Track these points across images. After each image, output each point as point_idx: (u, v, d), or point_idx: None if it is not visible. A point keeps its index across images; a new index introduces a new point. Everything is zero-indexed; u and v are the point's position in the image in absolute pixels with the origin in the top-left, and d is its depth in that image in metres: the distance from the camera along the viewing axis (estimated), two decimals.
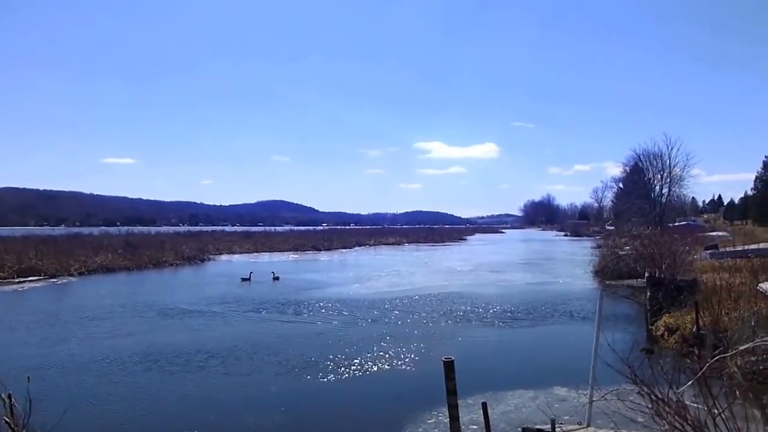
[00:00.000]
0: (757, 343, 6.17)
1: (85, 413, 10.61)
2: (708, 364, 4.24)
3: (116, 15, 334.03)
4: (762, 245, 33.59)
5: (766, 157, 67.97)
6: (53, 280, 35.29)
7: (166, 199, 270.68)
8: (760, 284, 14.75)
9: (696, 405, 4.51)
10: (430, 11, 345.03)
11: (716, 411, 4.15)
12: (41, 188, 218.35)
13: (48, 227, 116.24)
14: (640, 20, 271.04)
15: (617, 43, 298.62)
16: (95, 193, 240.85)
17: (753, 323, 12.08)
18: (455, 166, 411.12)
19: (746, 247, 31.85)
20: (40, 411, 6.56)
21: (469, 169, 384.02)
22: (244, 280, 34.62)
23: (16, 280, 34.28)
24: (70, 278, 36.40)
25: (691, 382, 4.58)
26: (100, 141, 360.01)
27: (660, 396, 4.56)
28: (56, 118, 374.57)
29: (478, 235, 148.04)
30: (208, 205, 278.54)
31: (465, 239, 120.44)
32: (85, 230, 77.16)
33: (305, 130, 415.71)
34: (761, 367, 10.09)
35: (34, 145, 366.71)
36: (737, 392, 4.92)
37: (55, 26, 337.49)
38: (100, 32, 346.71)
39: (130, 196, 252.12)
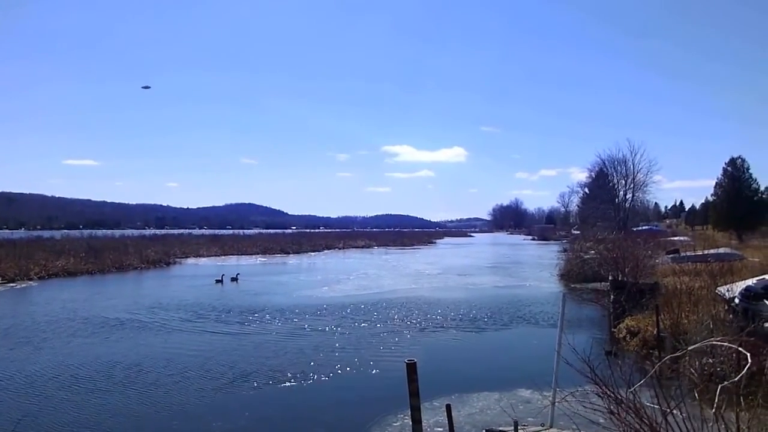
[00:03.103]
0: (706, 343, 6.29)
1: (39, 425, 10.28)
2: (660, 362, 4.32)
3: (77, 12, 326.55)
4: (721, 250, 34.55)
5: (725, 164, 69.62)
6: (12, 284, 34.20)
7: (131, 202, 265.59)
8: (718, 288, 15.12)
9: (653, 405, 4.58)
10: (399, 17, 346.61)
11: (670, 410, 4.23)
12: (0, 190, 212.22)
13: (7, 230, 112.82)
14: (601, 31, 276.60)
15: (579, 52, 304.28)
16: (57, 195, 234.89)
17: (711, 326, 12.40)
18: (424, 170, 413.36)
19: (706, 252, 32.65)
20: None
21: (438, 173, 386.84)
22: (217, 281, 35.62)
23: None
24: (30, 282, 35.34)
25: (643, 381, 4.66)
26: (60, 142, 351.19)
27: (619, 396, 4.62)
28: (14, 118, 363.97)
29: (447, 239, 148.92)
30: (174, 207, 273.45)
31: (434, 242, 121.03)
32: (47, 233, 75.17)
33: (272, 133, 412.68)
34: (718, 369, 10.35)
35: None
36: (695, 393, 5.03)
37: (13, 23, 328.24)
38: (60, 30, 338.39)
39: (93, 199, 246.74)
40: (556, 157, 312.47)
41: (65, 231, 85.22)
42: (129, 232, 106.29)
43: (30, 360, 15.27)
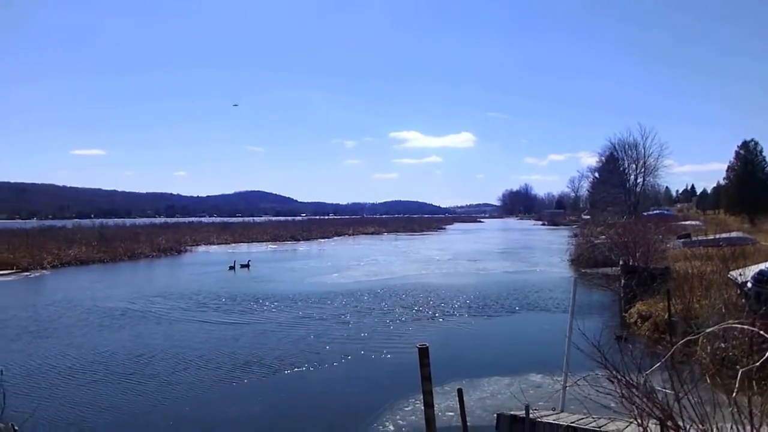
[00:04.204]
0: (721, 327, 6.26)
1: (55, 411, 10.44)
2: (675, 347, 4.31)
3: (88, 5, 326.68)
4: (733, 234, 34.34)
5: (737, 147, 68.80)
6: (26, 273, 34.63)
7: (141, 191, 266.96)
8: (730, 272, 15.04)
9: (665, 390, 4.59)
10: (404, 2, 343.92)
11: (684, 394, 4.23)
12: (12, 181, 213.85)
13: (20, 220, 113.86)
14: (608, 19, 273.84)
15: (586, 40, 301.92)
16: (68, 185, 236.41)
17: (723, 310, 12.34)
18: (432, 156, 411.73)
19: (718, 236, 32.49)
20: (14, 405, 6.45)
21: (446, 159, 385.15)
22: (230, 268, 36.08)
23: None
24: (43, 271, 35.77)
25: (658, 365, 4.65)
26: (69, 133, 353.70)
27: (630, 381, 4.63)
28: (24, 109, 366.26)
29: (456, 225, 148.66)
30: (184, 196, 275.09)
31: (444, 228, 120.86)
32: (58, 223, 75.85)
33: (277, 120, 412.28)
34: (731, 353, 10.33)
35: (3, 138, 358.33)
36: (707, 377, 5.03)
37: (24, 17, 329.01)
38: (70, 23, 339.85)
39: (104, 188, 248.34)
40: (564, 141, 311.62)
41: (77, 220, 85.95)
42: (140, 220, 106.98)
43: (48, 347, 15.50)
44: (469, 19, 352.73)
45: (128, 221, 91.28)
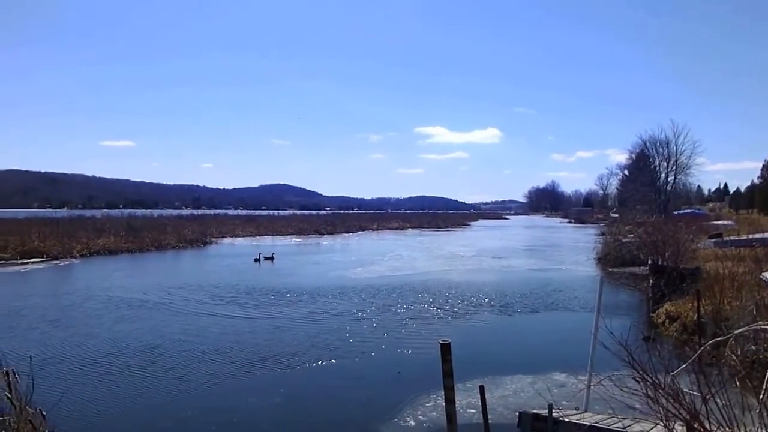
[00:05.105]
0: (751, 328, 6.13)
1: (81, 399, 10.66)
2: (703, 347, 4.24)
3: None
4: (767, 234, 33.51)
5: None
6: (56, 261, 35.44)
7: (168, 183, 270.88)
8: (763, 273, 14.71)
9: (692, 392, 4.52)
10: None
11: (711, 395, 4.16)
12: (43, 171, 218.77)
13: (50, 209, 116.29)
14: (638, 14, 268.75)
15: (615, 35, 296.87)
16: (97, 175, 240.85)
17: (754, 312, 12.09)
18: (457, 151, 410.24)
19: (751, 236, 31.76)
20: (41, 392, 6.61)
21: (472, 155, 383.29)
22: (256, 260, 36.80)
23: (19, 262, 34.48)
24: (73, 260, 36.56)
25: (685, 366, 4.59)
26: (98, 124, 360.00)
27: (657, 381, 4.56)
28: (54, 96, 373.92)
29: (482, 221, 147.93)
30: (210, 188, 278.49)
31: (469, 225, 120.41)
32: (88, 212, 77.33)
33: (303, 114, 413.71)
34: (761, 356, 10.11)
35: (36, 128, 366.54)
36: (736, 380, 4.94)
37: (53, 7, 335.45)
38: (99, 13, 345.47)
39: (132, 179, 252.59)
40: (593, 138, 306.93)
41: (105, 210, 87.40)
42: (167, 211, 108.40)
43: (68, 337, 15.85)
44: (497, 12, 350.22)
45: (155, 212, 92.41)
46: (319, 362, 13.08)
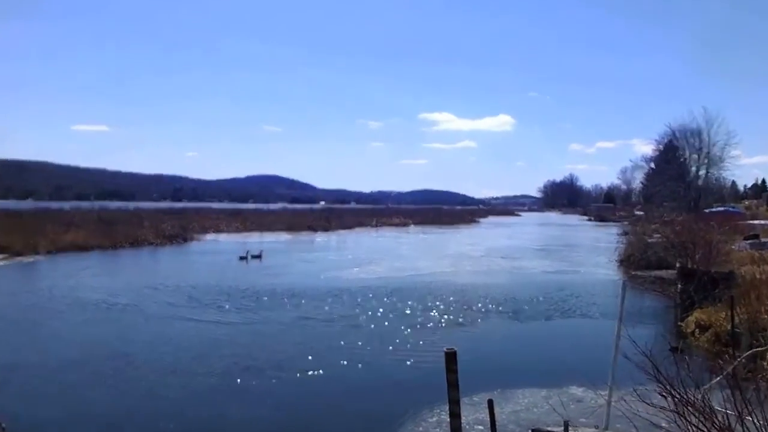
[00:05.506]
0: None
1: (43, 411, 10.62)
2: (738, 361, 4.20)
3: None
4: None
5: None
6: (19, 258, 35.36)
7: (146, 172, 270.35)
8: None
9: (726, 410, 4.48)
10: None
11: (748, 412, 4.13)
12: (7, 157, 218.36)
13: (14, 200, 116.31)
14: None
15: (639, 18, 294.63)
16: (67, 163, 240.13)
17: None
18: (465, 140, 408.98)
19: None
20: None
21: (481, 144, 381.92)
22: (241, 258, 36.77)
23: None
24: (37, 257, 36.47)
25: (718, 380, 4.56)
26: (70, 106, 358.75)
27: (686, 397, 4.53)
28: (21, 80, 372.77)
29: (491, 218, 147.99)
30: (192, 179, 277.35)
31: (477, 221, 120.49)
32: (55, 204, 77.27)
33: (297, 98, 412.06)
34: None
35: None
36: None
37: None
38: None
39: (106, 168, 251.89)
40: (615, 127, 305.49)
41: (75, 202, 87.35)
42: (144, 204, 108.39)
43: (30, 341, 15.84)
44: None
45: (131, 205, 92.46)
46: (310, 372, 13.05)
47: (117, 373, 12.80)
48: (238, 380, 12.49)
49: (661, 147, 80.00)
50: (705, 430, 4.33)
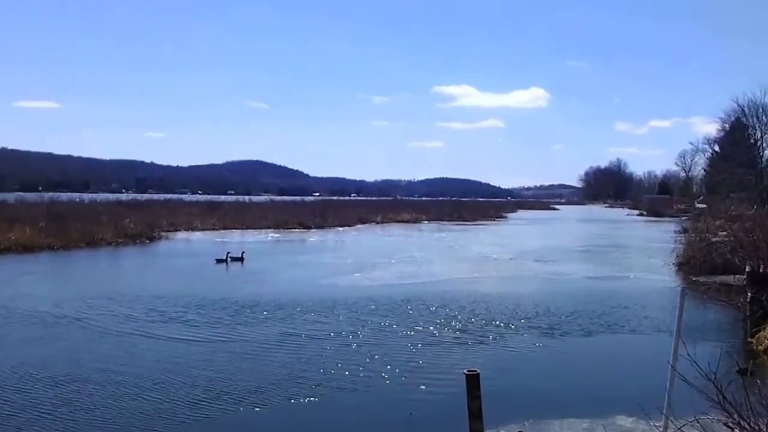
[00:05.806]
0: None
1: None
2: None
3: None
4: None
5: None
6: None
7: (104, 157, 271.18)
8: None
9: None
10: None
11: None
12: None
13: None
14: None
15: None
16: (9, 147, 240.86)
17: None
18: (490, 119, 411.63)
19: None
20: None
21: (510, 123, 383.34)
22: (219, 261, 36.77)
23: None
24: None
25: None
26: (11, 79, 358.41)
27: (756, 427, 4.53)
28: None
29: (522, 212, 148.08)
30: (159, 165, 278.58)
31: (505, 217, 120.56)
32: None
33: (287, 67, 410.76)
34: None
35: None
36: None
37: None
38: None
39: (55, 152, 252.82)
40: (671, 102, 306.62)
41: (19, 193, 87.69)
42: (101, 196, 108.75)
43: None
44: None
45: (86, 196, 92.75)
46: (299, 400, 13.04)
47: (63, 403, 12.75)
48: (212, 410, 12.47)
49: (727, 126, 79.88)
50: None
